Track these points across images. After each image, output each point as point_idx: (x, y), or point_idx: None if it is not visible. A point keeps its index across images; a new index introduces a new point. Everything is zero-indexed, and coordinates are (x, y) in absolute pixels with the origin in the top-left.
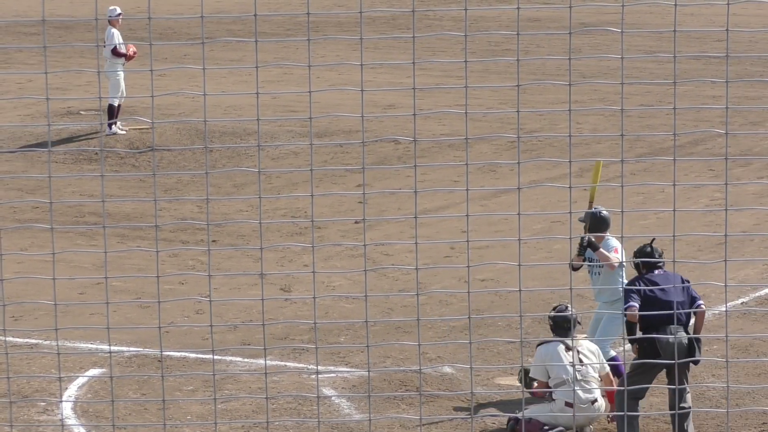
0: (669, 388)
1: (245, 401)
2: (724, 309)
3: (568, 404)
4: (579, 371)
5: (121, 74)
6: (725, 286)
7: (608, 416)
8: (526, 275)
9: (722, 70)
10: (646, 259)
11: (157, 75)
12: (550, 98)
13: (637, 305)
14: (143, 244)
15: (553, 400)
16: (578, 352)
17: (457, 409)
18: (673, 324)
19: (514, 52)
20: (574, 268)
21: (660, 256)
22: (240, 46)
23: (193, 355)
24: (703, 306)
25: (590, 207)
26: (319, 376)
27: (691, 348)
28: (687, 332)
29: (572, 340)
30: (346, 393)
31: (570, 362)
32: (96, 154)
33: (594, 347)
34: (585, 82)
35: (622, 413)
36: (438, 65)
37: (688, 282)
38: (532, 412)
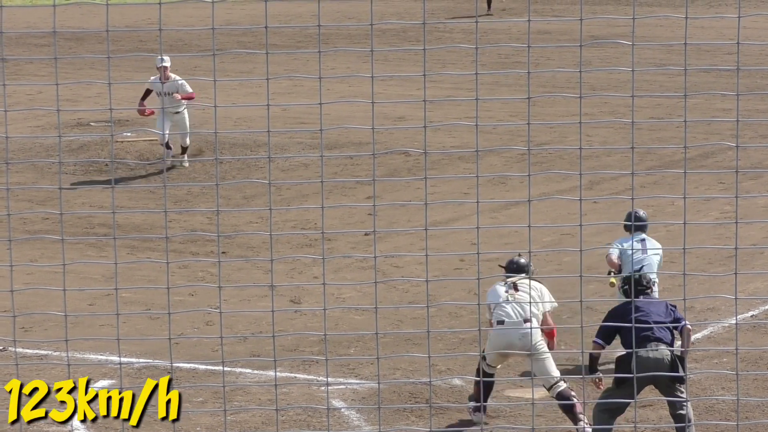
0: (668, 401)
1: (255, 413)
2: (734, 322)
3: (499, 323)
4: (513, 296)
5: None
6: (735, 298)
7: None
8: None
9: (732, 83)
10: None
11: None
12: (560, 111)
13: (603, 343)
14: (153, 255)
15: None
16: (514, 284)
17: (466, 421)
18: (652, 342)
19: (524, 65)
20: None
21: (648, 282)
22: (250, 58)
23: (202, 367)
24: (687, 325)
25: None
26: (329, 387)
27: (673, 364)
28: (670, 350)
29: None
30: (355, 405)
31: (505, 292)
32: (106, 165)
33: (540, 286)
34: (595, 95)
35: (597, 426)
36: (448, 77)
37: (674, 306)
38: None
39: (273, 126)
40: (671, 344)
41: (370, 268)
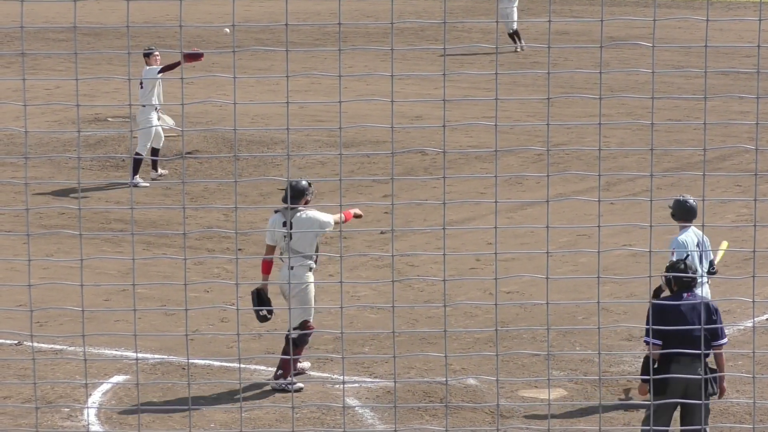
0: (685, 419)
1: (269, 410)
2: (750, 324)
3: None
4: (286, 242)
5: (154, 120)
6: (753, 301)
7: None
8: (551, 288)
9: (749, 85)
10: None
11: (185, 83)
12: (578, 111)
13: (660, 342)
14: (169, 251)
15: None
16: (291, 224)
17: (480, 421)
18: (688, 356)
19: (542, 65)
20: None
21: (694, 274)
22: (268, 56)
23: (217, 363)
24: (723, 345)
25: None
26: (344, 386)
27: (706, 385)
28: (705, 365)
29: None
30: (370, 403)
31: (281, 231)
32: (123, 161)
33: (313, 217)
34: (614, 96)
35: None
36: (465, 77)
37: (718, 312)
38: None
39: (291, 123)
40: (706, 357)
41: (386, 267)
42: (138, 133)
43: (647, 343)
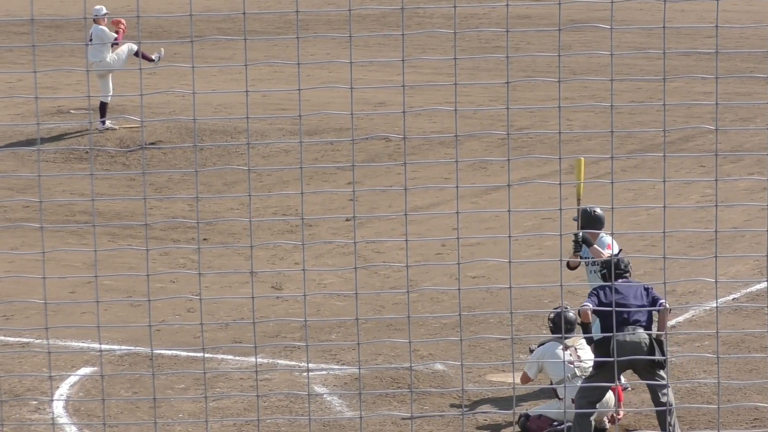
0: (648, 386)
1: (237, 399)
2: (714, 305)
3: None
4: (578, 368)
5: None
6: (716, 282)
7: (617, 411)
8: (517, 272)
9: (712, 66)
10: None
11: (147, 73)
12: (540, 95)
13: (591, 306)
14: (134, 242)
15: (560, 398)
16: (576, 350)
17: (448, 405)
18: (629, 326)
19: (505, 50)
20: (571, 267)
21: (626, 266)
22: (230, 45)
23: (184, 354)
24: (665, 304)
25: (578, 204)
26: (311, 373)
27: (651, 348)
28: (648, 334)
29: (570, 337)
30: (337, 390)
31: (568, 360)
32: (86, 153)
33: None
34: (575, 79)
35: (578, 410)
36: (428, 63)
37: (651, 288)
38: (542, 408)
39: (253, 112)
40: (649, 327)
41: (351, 254)
42: (99, 85)
43: (585, 305)
